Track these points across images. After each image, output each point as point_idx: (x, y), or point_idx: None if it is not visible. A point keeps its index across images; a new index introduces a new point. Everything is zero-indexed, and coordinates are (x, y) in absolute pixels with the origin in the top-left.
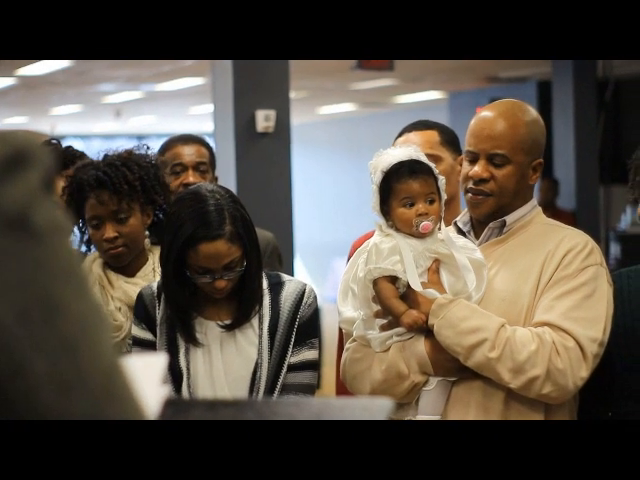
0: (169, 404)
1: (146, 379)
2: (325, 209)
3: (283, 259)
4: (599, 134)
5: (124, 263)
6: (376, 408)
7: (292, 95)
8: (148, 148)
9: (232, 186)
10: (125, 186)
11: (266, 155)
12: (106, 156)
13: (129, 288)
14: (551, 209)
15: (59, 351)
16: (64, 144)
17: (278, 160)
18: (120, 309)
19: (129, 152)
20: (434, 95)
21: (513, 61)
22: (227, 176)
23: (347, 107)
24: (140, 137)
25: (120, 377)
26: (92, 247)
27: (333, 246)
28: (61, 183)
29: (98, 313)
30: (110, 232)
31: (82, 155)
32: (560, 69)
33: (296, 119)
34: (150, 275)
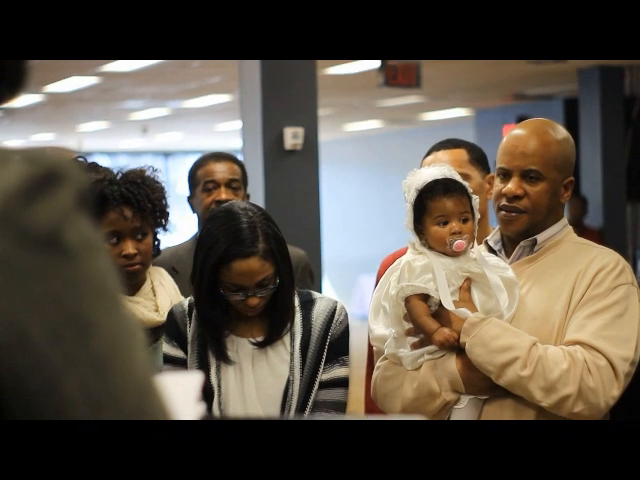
0: None
1: (182, 397)
2: (351, 226)
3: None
4: (626, 151)
5: (137, 280)
6: None
7: (319, 112)
8: (155, 170)
9: (260, 203)
10: (148, 204)
11: (294, 172)
12: (119, 173)
13: (133, 307)
14: (578, 227)
15: (91, 369)
16: (91, 160)
17: (306, 177)
18: None
19: (143, 171)
20: (460, 112)
21: (539, 78)
22: (255, 193)
23: (374, 124)
24: (167, 154)
25: (153, 396)
26: None
27: (359, 263)
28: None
29: (131, 331)
30: (130, 248)
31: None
32: (587, 86)
33: (323, 136)
34: (150, 294)
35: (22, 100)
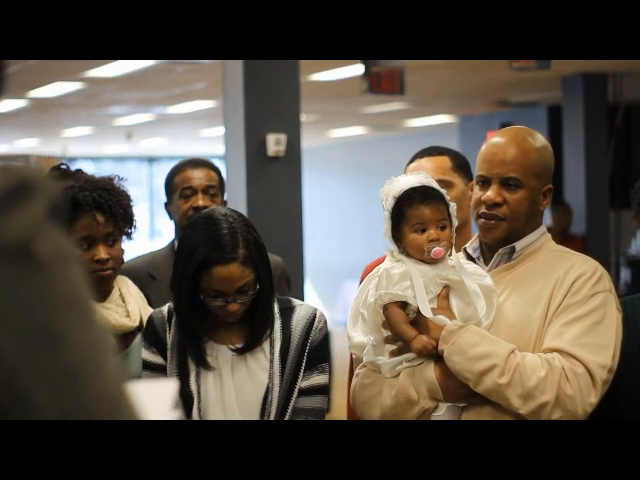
0: None
1: (156, 404)
2: (335, 232)
3: (294, 283)
4: (610, 159)
5: (108, 286)
6: None
7: (303, 119)
8: (121, 179)
9: (243, 210)
10: (120, 210)
11: (277, 179)
12: (89, 180)
13: (105, 312)
14: (563, 235)
15: (61, 381)
16: (75, 166)
17: (289, 184)
18: None
19: (112, 179)
20: (444, 119)
21: (523, 85)
22: (238, 200)
23: (358, 131)
24: (151, 159)
25: (125, 406)
26: None
27: (343, 269)
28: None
29: (103, 342)
30: (103, 253)
31: None
32: (570, 94)
33: (307, 142)
34: (119, 300)
35: (6, 105)
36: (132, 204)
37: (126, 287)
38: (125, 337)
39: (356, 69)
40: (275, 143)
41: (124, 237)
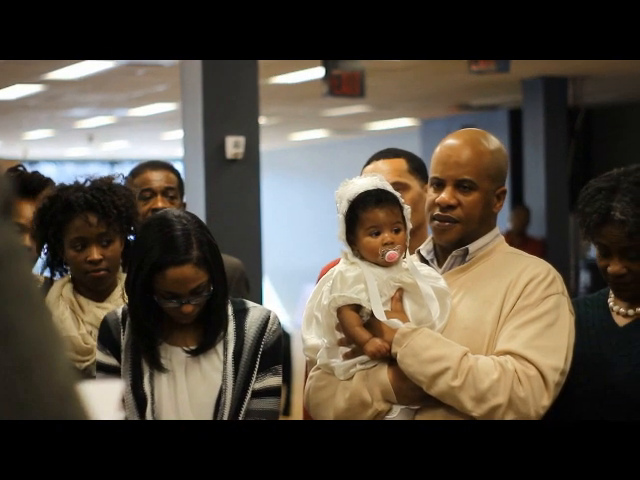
0: None
1: (102, 405)
2: (298, 235)
3: (252, 285)
4: (569, 162)
5: (103, 287)
6: None
7: (263, 121)
8: (124, 177)
9: (201, 212)
10: (114, 210)
11: (235, 181)
12: (87, 180)
13: (100, 312)
14: (521, 237)
15: (12, 373)
16: (34, 169)
17: (247, 186)
18: (91, 333)
19: (110, 179)
20: (406, 122)
21: (484, 89)
22: (196, 202)
23: (319, 134)
24: (113, 162)
25: (75, 399)
26: (57, 272)
27: (305, 272)
28: (29, 208)
29: (54, 336)
30: (95, 254)
31: (48, 181)
32: (530, 97)
33: (269, 145)
34: (119, 300)
35: None
36: (133, 203)
37: None
38: None
39: (317, 72)
40: (234, 146)
41: (130, 236)
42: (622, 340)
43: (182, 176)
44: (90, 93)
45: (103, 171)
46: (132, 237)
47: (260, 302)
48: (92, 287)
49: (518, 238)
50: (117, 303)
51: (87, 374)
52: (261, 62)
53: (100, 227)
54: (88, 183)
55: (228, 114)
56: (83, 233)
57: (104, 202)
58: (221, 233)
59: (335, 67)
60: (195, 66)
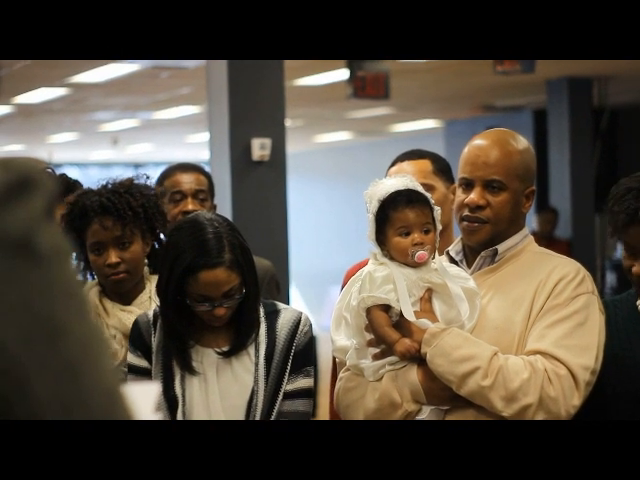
0: None
1: (138, 407)
2: (323, 237)
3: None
4: (595, 163)
5: (125, 290)
6: None
7: (288, 123)
8: (148, 177)
9: (228, 214)
10: (129, 212)
11: (262, 183)
12: (108, 184)
13: (124, 316)
14: (548, 239)
15: (62, 373)
16: (59, 172)
17: (274, 188)
18: (115, 337)
19: (130, 180)
20: (430, 124)
21: (508, 89)
22: (223, 205)
23: (343, 136)
24: (137, 165)
25: (120, 399)
26: (87, 276)
27: (330, 274)
28: (59, 210)
29: (99, 336)
30: (113, 257)
31: (75, 183)
32: (555, 97)
33: (293, 147)
34: (146, 303)
35: None
36: (154, 202)
37: None
38: None
39: (341, 74)
40: (260, 148)
41: (155, 235)
42: None
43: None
44: (114, 96)
45: (127, 174)
46: (163, 237)
47: (287, 304)
48: (114, 290)
49: (544, 240)
50: (144, 306)
51: None
52: (286, 64)
53: (116, 230)
54: (109, 186)
55: (254, 116)
56: (100, 237)
57: (118, 204)
58: (248, 235)
59: (359, 69)
60: (221, 67)
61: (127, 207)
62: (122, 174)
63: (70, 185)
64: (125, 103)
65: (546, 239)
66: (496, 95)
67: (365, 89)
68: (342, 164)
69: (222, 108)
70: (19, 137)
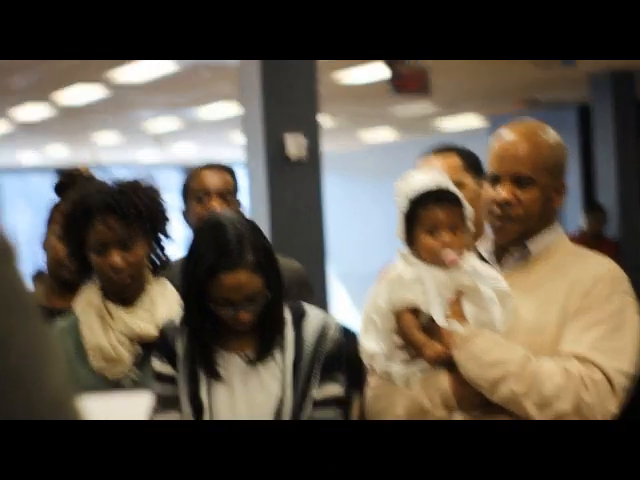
0: None
1: (126, 417)
2: (371, 237)
3: (316, 288)
4: None
5: (127, 290)
6: None
7: (331, 122)
8: (153, 178)
9: (265, 216)
10: (133, 211)
11: (297, 182)
12: (113, 182)
13: (130, 320)
14: (596, 238)
15: (4, 382)
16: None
17: (310, 188)
18: (123, 343)
19: (137, 181)
20: (474, 121)
21: (550, 83)
22: (259, 205)
23: (387, 134)
24: (182, 166)
25: (69, 408)
26: (83, 276)
27: (377, 274)
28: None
29: (46, 344)
30: (116, 258)
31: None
32: (598, 92)
33: (337, 148)
34: (148, 306)
35: (35, 113)
36: (159, 204)
37: (162, 291)
38: (147, 345)
39: (382, 70)
40: (296, 147)
41: (161, 237)
42: None
43: (239, 178)
44: (157, 96)
45: (173, 177)
46: (164, 238)
47: (324, 307)
48: (117, 293)
49: (593, 239)
50: (146, 308)
51: (116, 384)
52: (330, 62)
53: (120, 231)
54: (114, 186)
55: (287, 115)
56: (103, 237)
57: (123, 203)
58: (285, 236)
59: (400, 65)
60: (254, 67)
61: (131, 207)
62: (128, 175)
63: (74, 179)
64: (168, 103)
65: (595, 239)
66: (538, 89)
67: (406, 85)
68: (387, 164)
69: (255, 107)
70: (63, 138)
